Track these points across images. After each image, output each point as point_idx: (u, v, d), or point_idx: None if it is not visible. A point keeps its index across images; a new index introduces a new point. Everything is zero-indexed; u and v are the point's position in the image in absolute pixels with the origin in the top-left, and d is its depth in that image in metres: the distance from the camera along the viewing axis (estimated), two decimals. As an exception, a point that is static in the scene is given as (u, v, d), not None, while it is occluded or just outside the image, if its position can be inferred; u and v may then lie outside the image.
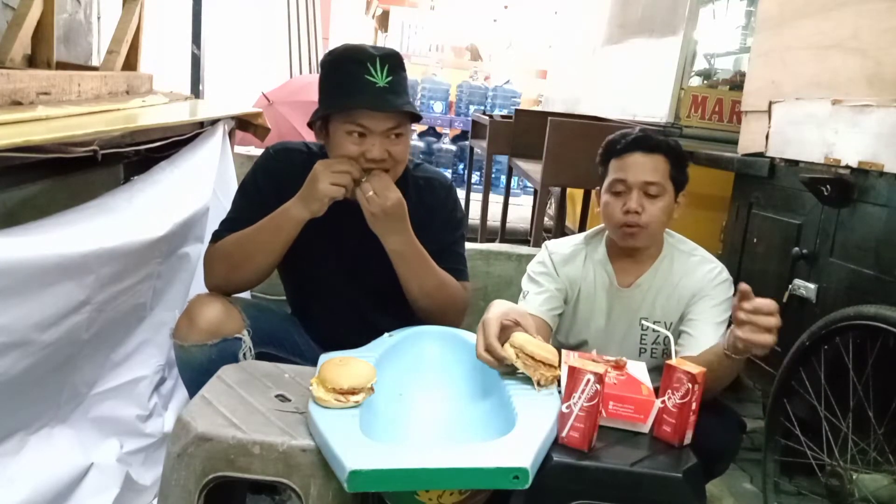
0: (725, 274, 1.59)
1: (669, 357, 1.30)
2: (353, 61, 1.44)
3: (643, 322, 1.58)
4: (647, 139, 1.57)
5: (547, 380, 1.27)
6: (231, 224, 1.56)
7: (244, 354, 1.46)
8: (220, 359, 1.40)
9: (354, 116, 1.44)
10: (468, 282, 1.65)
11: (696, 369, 1.20)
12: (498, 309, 1.37)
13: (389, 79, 1.43)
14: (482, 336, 1.33)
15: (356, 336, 1.45)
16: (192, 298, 1.52)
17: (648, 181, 1.54)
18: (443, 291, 1.54)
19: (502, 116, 4.89)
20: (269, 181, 1.57)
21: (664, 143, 1.58)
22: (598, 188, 1.67)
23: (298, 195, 1.46)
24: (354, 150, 1.45)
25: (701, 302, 1.55)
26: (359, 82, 1.42)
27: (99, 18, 2.90)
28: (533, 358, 1.26)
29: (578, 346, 1.63)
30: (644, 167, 1.54)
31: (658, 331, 1.57)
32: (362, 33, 11.86)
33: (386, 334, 1.47)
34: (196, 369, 1.41)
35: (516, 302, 1.66)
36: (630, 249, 1.60)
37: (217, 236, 1.56)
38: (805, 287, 1.98)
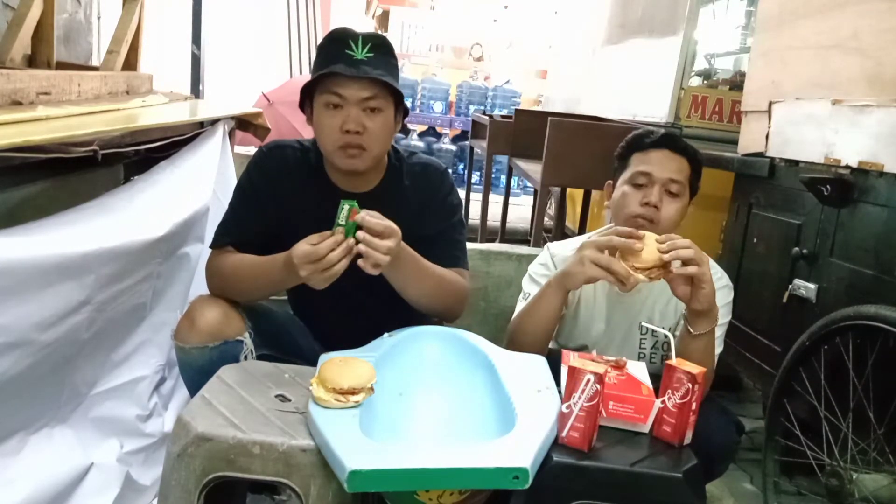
0: (725, 279, 1.59)
1: (670, 358, 1.30)
2: (335, 39, 1.47)
3: (642, 324, 1.58)
4: (678, 139, 1.60)
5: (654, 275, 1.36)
6: (229, 226, 1.56)
7: (245, 357, 1.46)
8: (221, 361, 1.40)
9: (329, 84, 1.44)
10: (467, 269, 1.63)
11: (696, 369, 1.20)
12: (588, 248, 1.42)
13: (370, 55, 1.45)
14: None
15: (357, 335, 1.44)
16: (193, 300, 1.52)
17: (674, 178, 1.54)
18: (441, 288, 1.53)
19: (502, 116, 4.89)
20: (263, 179, 1.57)
21: (690, 148, 1.60)
22: (609, 182, 1.66)
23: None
24: (331, 123, 1.46)
25: None
26: (337, 55, 1.44)
27: (99, 18, 2.90)
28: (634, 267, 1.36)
29: (578, 350, 1.63)
30: (671, 164, 1.55)
31: (657, 331, 1.57)
32: (362, 33, 11.84)
33: (386, 334, 1.47)
34: (197, 371, 1.41)
35: (514, 304, 1.67)
36: None
37: (216, 242, 1.55)
38: (805, 287, 1.98)
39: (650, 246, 1.36)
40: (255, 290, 1.50)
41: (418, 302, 1.53)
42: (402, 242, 1.39)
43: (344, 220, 1.32)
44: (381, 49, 1.47)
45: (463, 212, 1.68)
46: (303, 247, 1.31)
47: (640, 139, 1.61)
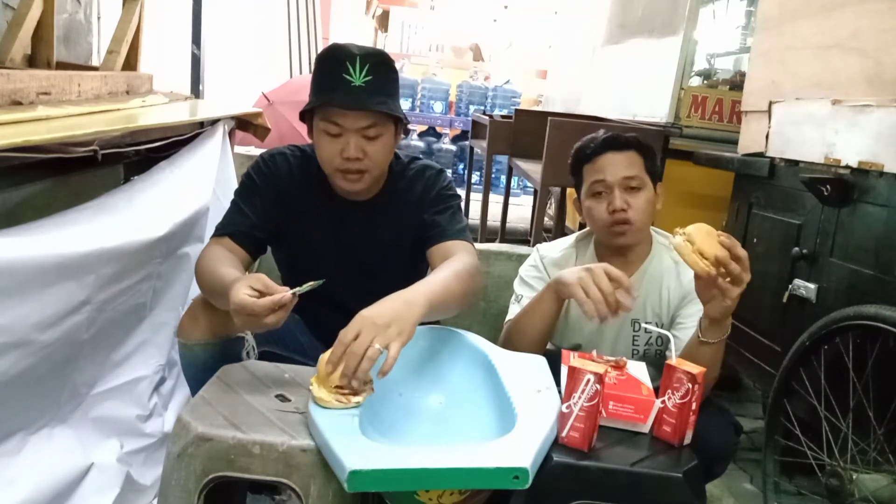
0: None
1: (667, 357, 1.29)
2: (333, 59, 1.45)
3: (644, 325, 1.59)
4: (617, 138, 1.60)
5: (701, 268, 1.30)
6: (230, 218, 1.53)
7: (247, 353, 1.47)
8: (223, 358, 1.40)
9: (329, 114, 1.44)
10: (471, 242, 1.56)
11: (696, 369, 1.20)
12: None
13: (368, 78, 1.43)
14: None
15: None
16: (195, 297, 1.52)
17: (628, 176, 1.55)
18: (463, 294, 1.40)
19: (502, 116, 4.89)
20: (265, 181, 1.57)
21: (633, 139, 1.60)
22: (575, 198, 1.68)
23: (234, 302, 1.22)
24: (331, 149, 1.46)
25: (691, 304, 1.54)
26: (335, 80, 1.43)
27: (99, 18, 2.90)
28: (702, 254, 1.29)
29: (572, 349, 1.63)
30: (620, 164, 1.56)
31: (651, 331, 1.57)
32: (362, 33, 11.86)
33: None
34: (199, 368, 1.42)
35: (507, 305, 1.67)
36: (619, 249, 1.59)
37: (215, 232, 1.53)
38: (805, 287, 1.98)
39: (712, 237, 1.32)
40: (209, 292, 1.41)
41: (447, 315, 1.46)
42: (416, 306, 1.24)
43: (302, 290, 1.26)
44: (379, 68, 1.45)
45: (461, 206, 1.65)
46: (241, 296, 1.20)
47: (583, 151, 1.62)
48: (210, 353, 1.42)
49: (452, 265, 1.44)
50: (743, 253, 1.30)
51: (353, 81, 1.42)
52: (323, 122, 1.46)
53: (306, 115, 1.52)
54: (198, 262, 1.47)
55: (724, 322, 1.36)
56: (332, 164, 1.48)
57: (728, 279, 1.29)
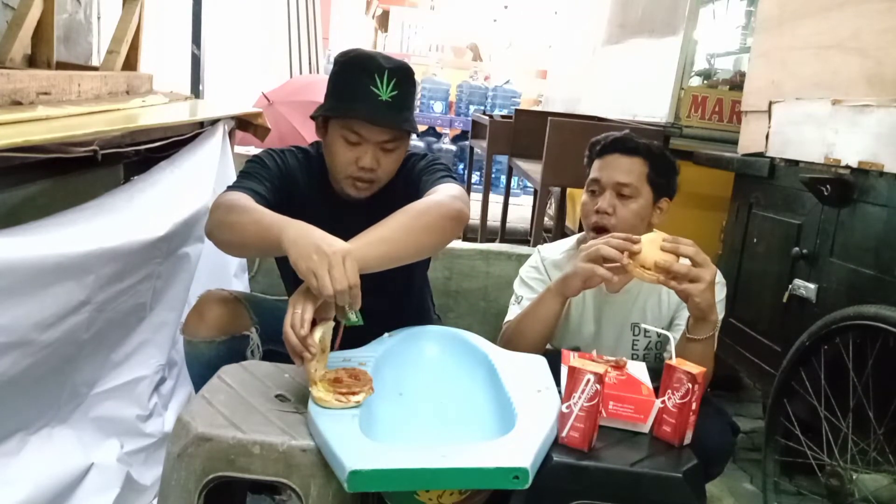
0: (717, 276, 1.58)
1: (667, 358, 1.30)
2: (361, 69, 1.44)
3: (644, 327, 1.58)
4: (628, 141, 1.59)
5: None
6: (250, 178, 1.49)
7: (252, 352, 1.48)
8: (228, 355, 1.41)
9: (351, 124, 1.45)
10: (452, 183, 1.51)
11: (696, 369, 1.20)
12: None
13: (394, 93, 1.43)
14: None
15: (358, 335, 1.45)
16: (202, 294, 1.54)
17: (621, 182, 1.55)
18: (423, 220, 1.34)
19: (502, 116, 4.89)
20: (276, 169, 1.56)
21: (644, 146, 1.59)
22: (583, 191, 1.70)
23: (297, 242, 1.26)
24: (347, 156, 1.47)
25: None
26: (362, 92, 1.43)
27: (99, 18, 2.90)
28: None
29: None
30: (619, 168, 1.56)
31: (651, 332, 1.57)
32: (362, 33, 11.86)
33: (386, 334, 1.47)
34: (204, 365, 1.43)
35: (507, 305, 1.67)
36: None
37: (236, 185, 1.48)
38: (805, 287, 1.98)
39: (655, 245, 1.35)
40: (247, 234, 1.33)
41: (420, 254, 1.40)
42: (348, 252, 1.24)
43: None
44: (404, 83, 1.46)
45: (446, 167, 1.59)
46: (288, 327, 1.19)
47: (594, 146, 1.63)
48: (215, 351, 1.44)
49: (408, 208, 1.35)
50: (689, 250, 1.32)
51: (380, 95, 1.42)
52: (343, 130, 1.46)
53: (319, 116, 1.52)
54: (232, 198, 1.38)
55: (707, 318, 1.37)
56: (344, 171, 1.49)
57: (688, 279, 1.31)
